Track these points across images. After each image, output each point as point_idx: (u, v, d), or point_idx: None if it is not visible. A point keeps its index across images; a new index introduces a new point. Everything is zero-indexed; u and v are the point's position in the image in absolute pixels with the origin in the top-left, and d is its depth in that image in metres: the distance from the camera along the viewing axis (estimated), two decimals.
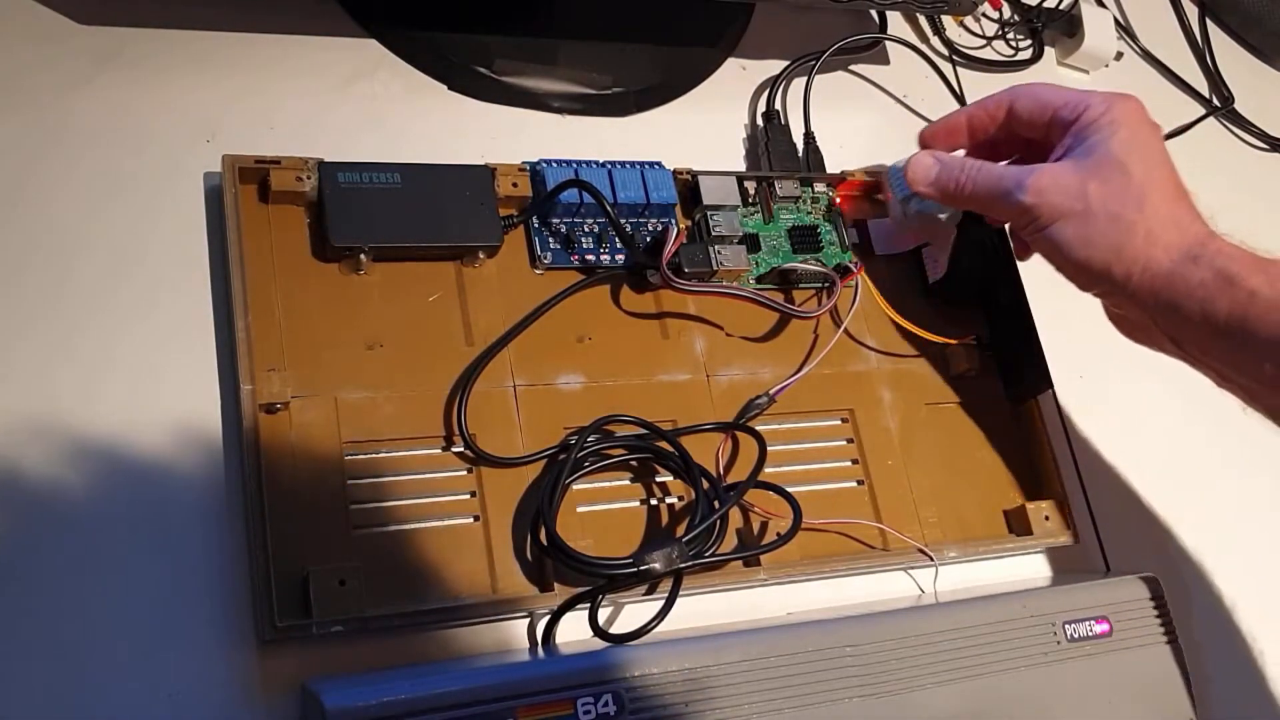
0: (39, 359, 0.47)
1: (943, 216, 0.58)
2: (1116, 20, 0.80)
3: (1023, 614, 0.52)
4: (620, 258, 0.56)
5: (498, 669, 0.44)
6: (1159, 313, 0.49)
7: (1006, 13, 0.78)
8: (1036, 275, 0.62)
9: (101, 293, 0.49)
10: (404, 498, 0.49)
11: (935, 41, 0.75)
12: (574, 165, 0.56)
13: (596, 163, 0.56)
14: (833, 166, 0.64)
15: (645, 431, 0.52)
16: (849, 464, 0.57)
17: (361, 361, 0.50)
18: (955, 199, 0.54)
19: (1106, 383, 0.66)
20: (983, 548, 0.57)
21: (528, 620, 0.49)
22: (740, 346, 0.57)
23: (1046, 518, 0.58)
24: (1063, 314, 0.66)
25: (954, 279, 0.61)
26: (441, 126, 0.59)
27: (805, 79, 0.66)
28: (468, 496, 0.50)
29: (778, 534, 0.52)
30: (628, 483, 0.53)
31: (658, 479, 0.53)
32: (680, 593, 0.49)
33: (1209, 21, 0.86)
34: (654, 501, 0.53)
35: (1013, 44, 0.77)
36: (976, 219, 0.63)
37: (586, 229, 0.56)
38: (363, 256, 0.51)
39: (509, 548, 0.49)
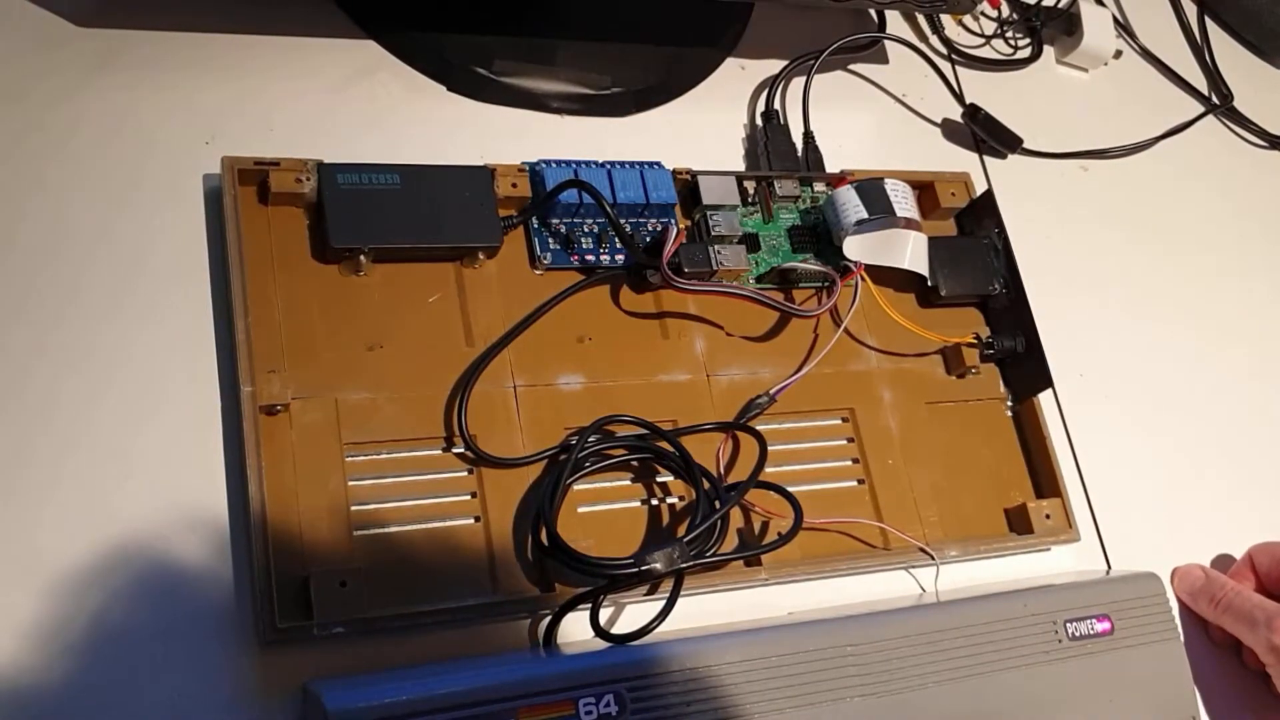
0: (37, 359, 0.47)
1: (881, 233, 0.57)
2: (1115, 18, 0.80)
3: (1024, 613, 0.52)
4: (620, 258, 0.56)
5: (499, 669, 0.44)
6: None
7: (1005, 11, 0.78)
8: (1036, 274, 0.62)
9: (101, 295, 0.49)
10: (405, 499, 0.49)
11: (934, 40, 0.75)
12: (573, 165, 0.56)
13: (596, 163, 0.56)
14: (832, 166, 0.64)
15: (646, 431, 0.52)
16: (849, 463, 0.57)
17: (362, 362, 0.50)
18: (1208, 614, 0.59)
19: (1107, 381, 0.66)
20: (984, 546, 0.57)
21: (529, 620, 0.49)
22: (740, 346, 0.57)
23: (1047, 516, 0.58)
24: (1063, 313, 0.66)
25: (955, 278, 0.61)
26: (441, 127, 0.59)
27: (804, 78, 0.66)
28: (468, 497, 0.50)
29: (779, 534, 0.52)
30: (628, 483, 0.53)
31: (658, 479, 0.53)
32: (681, 593, 0.49)
33: (1208, 19, 0.86)
34: (655, 501, 0.53)
35: (1011, 43, 0.77)
36: (976, 222, 0.64)
37: (586, 229, 0.56)
38: (362, 258, 0.51)
39: (510, 548, 0.49)
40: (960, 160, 0.70)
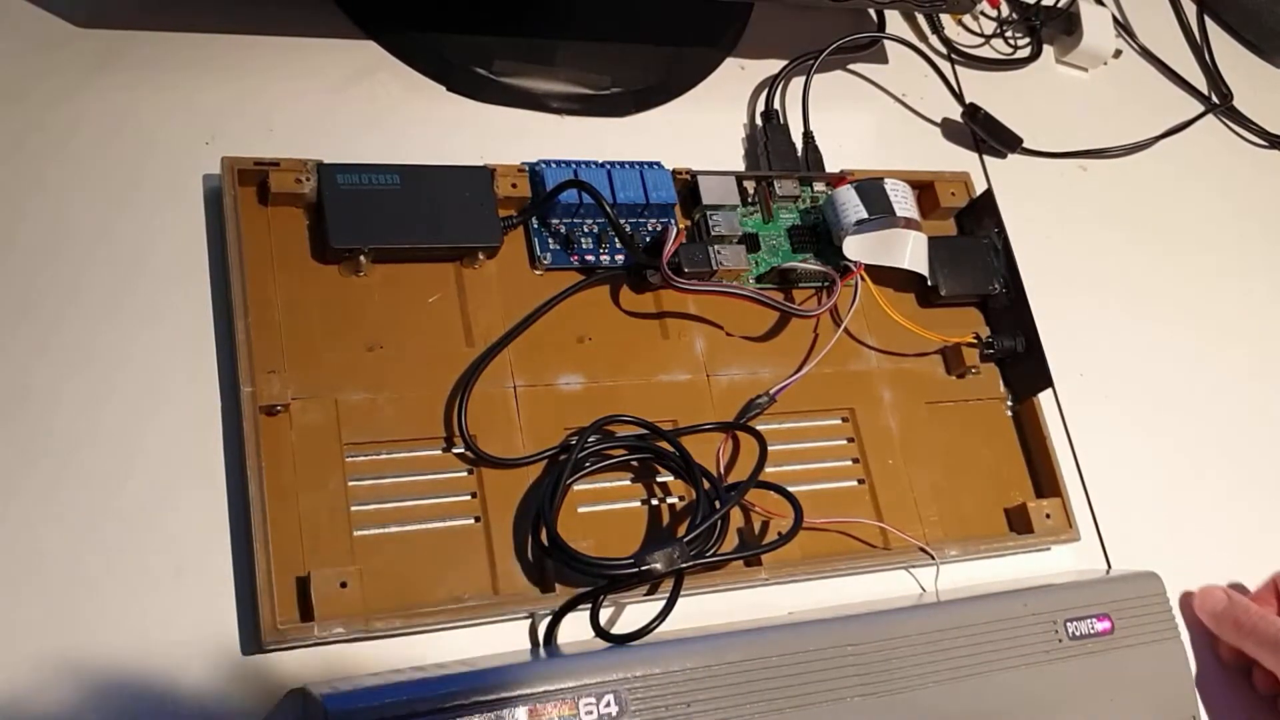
0: (37, 360, 0.47)
1: (881, 233, 0.57)
2: (1115, 18, 0.80)
3: (1024, 612, 0.52)
4: (620, 258, 0.56)
5: (499, 670, 0.44)
6: None
7: (1005, 11, 0.78)
8: (1036, 274, 0.62)
9: (101, 295, 0.49)
10: (405, 499, 0.49)
11: (934, 40, 0.75)
12: (573, 166, 0.56)
13: (595, 163, 0.56)
14: (832, 166, 0.64)
15: (646, 431, 0.52)
16: (850, 463, 0.57)
17: (361, 363, 0.50)
18: (1233, 637, 0.59)
19: (1107, 380, 0.66)
20: (984, 546, 0.57)
21: (529, 621, 0.49)
22: (740, 346, 0.57)
23: (1047, 516, 0.58)
24: (1063, 313, 0.66)
25: (955, 278, 0.61)
26: (440, 127, 0.59)
27: (804, 78, 0.66)
28: (468, 498, 0.50)
29: (779, 533, 0.52)
30: (628, 483, 0.53)
31: (658, 479, 0.53)
32: (681, 593, 0.49)
33: (1207, 19, 0.86)
34: (655, 502, 0.53)
35: (1011, 42, 0.77)
36: (976, 222, 0.64)
37: (586, 229, 0.56)
38: (362, 258, 0.51)
39: (510, 549, 0.49)
40: (960, 160, 0.70)
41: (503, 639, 0.48)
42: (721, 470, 0.54)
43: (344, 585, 0.45)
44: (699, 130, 0.64)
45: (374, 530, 0.48)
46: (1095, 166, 0.75)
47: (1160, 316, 0.71)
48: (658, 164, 0.58)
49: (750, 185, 0.60)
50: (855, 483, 0.57)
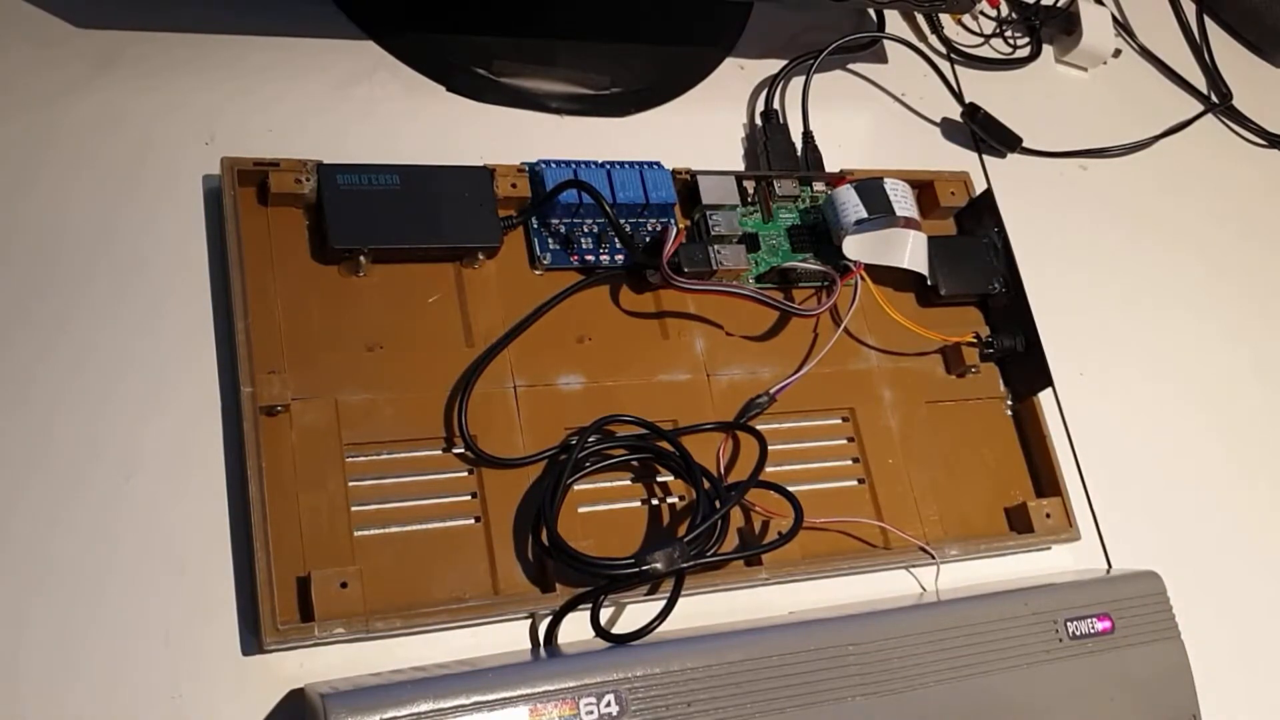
0: (38, 361, 0.47)
1: (881, 233, 0.57)
2: (1114, 17, 0.80)
3: (1024, 612, 0.52)
4: (620, 258, 0.56)
5: (500, 670, 0.44)
6: None
7: (1004, 11, 0.78)
8: (1036, 273, 0.62)
9: (101, 296, 0.49)
10: (405, 499, 0.49)
11: (933, 40, 0.75)
12: (573, 166, 0.56)
13: (595, 163, 0.56)
14: (831, 165, 0.64)
15: (646, 431, 0.52)
16: (850, 463, 0.57)
17: (361, 363, 0.50)
18: None
19: (1107, 380, 0.66)
20: (984, 545, 0.57)
21: (529, 621, 0.49)
22: (740, 346, 0.57)
23: (1048, 515, 0.58)
24: (1063, 312, 0.66)
25: (955, 277, 0.61)
26: (440, 128, 0.59)
27: (803, 78, 0.66)
28: (469, 498, 0.50)
29: (779, 533, 0.52)
30: (629, 483, 0.53)
31: (659, 479, 0.53)
32: (682, 593, 0.49)
33: (1207, 18, 0.86)
34: (655, 501, 0.53)
35: (1011, 42, 0.77)
36: (976, 221, 0.64)
37: (586, 229, 0.56)
38: (362, 258, 0.51)
39: (510, 549, 0.49)
40: (959, 159, 0.70)
41: (503, 639, 0.48)
42: (721, 470, 0.54)
43: (344, 585, 0.45)
44: (699, 130, 0.64)
45: (374, 530, 0.48)
46: (1095, 166, 0.75)
47: (1160, 316, 0.71)
48: (657, 164, 0.58)
49: (750, 185, 0.60)
50: (855, 482, 0.57)
